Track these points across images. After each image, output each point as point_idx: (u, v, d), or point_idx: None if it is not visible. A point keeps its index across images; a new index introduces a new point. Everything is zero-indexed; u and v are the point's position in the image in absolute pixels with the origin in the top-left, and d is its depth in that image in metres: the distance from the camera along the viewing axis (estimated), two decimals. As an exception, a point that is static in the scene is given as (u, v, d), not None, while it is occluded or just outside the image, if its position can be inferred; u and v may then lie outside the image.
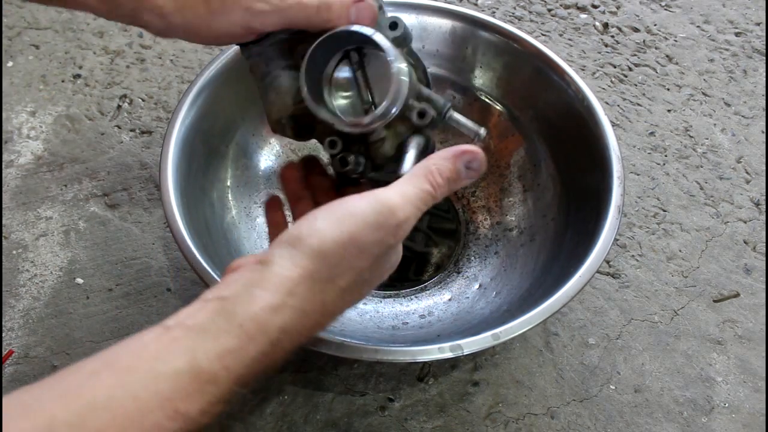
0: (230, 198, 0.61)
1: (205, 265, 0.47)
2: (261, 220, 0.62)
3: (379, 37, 0.38)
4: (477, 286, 0.60)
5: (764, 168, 0.74)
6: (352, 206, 0.34)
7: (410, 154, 0.39)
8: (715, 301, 0.64)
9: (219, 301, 0.31)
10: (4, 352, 0.57)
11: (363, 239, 0.33)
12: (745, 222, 0.69)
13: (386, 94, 0.38)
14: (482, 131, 0.41)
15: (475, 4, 0.88)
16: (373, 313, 0.59)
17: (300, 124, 0.42)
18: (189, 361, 0.29)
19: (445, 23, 0.62)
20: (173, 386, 0.29)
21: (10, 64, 0.78)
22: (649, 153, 0.74)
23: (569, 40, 0.85)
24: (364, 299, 0.39)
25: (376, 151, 0.40)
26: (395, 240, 0.34)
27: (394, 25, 0.40)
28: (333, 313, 0.35)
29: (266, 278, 0.32)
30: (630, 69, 0.82)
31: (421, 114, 0.39)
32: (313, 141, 0.44)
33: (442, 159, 0.36)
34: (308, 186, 0.45)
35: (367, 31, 0.38)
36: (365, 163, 0.41)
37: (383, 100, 0.38)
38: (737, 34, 0.87)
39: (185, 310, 0.31)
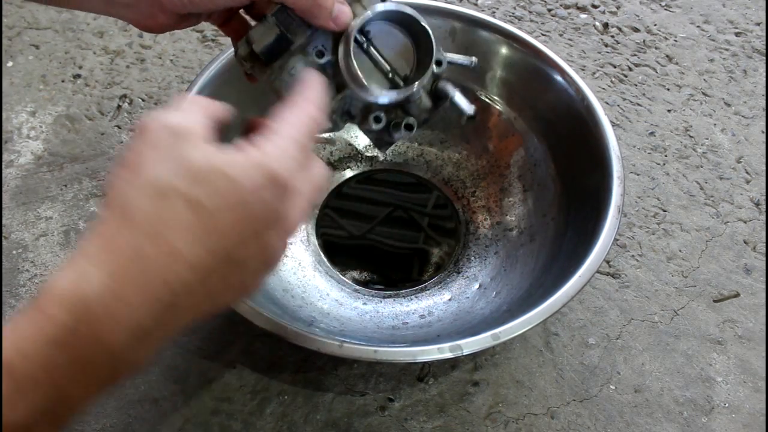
0: (230, 198, 0.61)
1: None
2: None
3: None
4: (477, 286, 0.60)
5: (764, 168, 0.74)
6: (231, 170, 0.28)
7: (457, 94, 0.43)
8: (715, 301, 0.64)
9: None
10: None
11: (138, 151, 0.28)
12: (745, 222, 0.69)
13: (409, 59, 0.42)
14: (474, 59, 0.46)
15: (475, 4, 0.88)
16: (373, 313, 0.59)
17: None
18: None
19: (445, 23, 0.63)
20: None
21: (10, 64, 0.78)
22: (649, 153, 0.74)
23: (569, 40, 0.85)
24: (265, 255, 0.30)
25: (418, 107, 0.44)
26: (183, 133, 0.28)
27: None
28: (178, 267, 0.26)
29: (70, 258, 0.27)
30: (630, 69, 0.82)
31: (438, 62, 0.43)
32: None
33: (307, 84, 0.34)
34: None
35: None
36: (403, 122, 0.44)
37: (409, 66, 0.43)
38: (737, 34, 0.87)
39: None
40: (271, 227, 0.29)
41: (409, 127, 0.43)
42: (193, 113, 0.29)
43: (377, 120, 0.43)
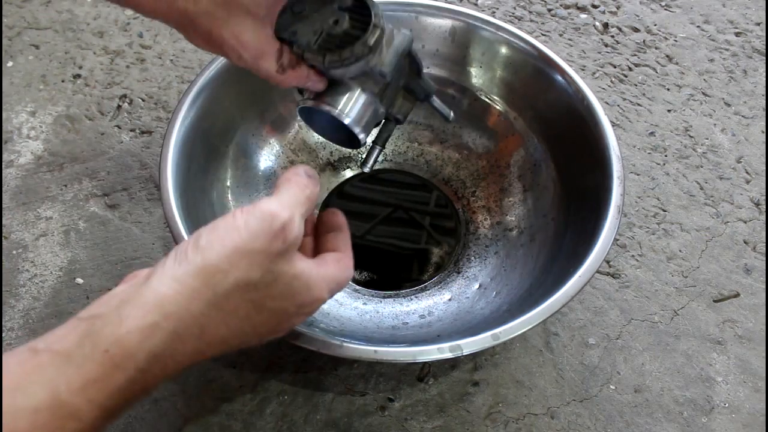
0: (230, 198, 0.61)
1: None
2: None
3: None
4: (477, 286, 0.60)
5: (764, 168, 0.74)
6: (233, 219, 0.32)
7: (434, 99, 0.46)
8: (715, 301, 0.64)
9: (90, 321, 0.29)
10: (4, 352, 0.57)
11: (248, 247, 0.31)
12: (745, 222, 0.69)
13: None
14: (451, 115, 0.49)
15: (475, 4, 0.88)
16: (373, 313, 0.59)
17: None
18: (50, 394, 0.27)
19: (445, 23, 0.63)
20: (31, 424, 0.27)
21: (10, 64, 0.78)
22: (649, 153, 0.74)
23: (569, 40, 0.85)
24: (264, 336, 0.35)
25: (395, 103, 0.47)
26: (284, 244, 0.32)
27: None
28: (217, 341, 0.32)
29: (141, 295, 0.30)
30: (630, 69, 0.82)
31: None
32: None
33: (292, 169, 0.37)
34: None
35: None
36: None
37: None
38: (737, 34, 0.87)
39: (57, 331, 0.29)
40: (285, 325, 0.37)
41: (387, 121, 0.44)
42: (299, 214, 0.34)
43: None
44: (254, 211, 0.32)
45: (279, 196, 0.34)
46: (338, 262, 0.37)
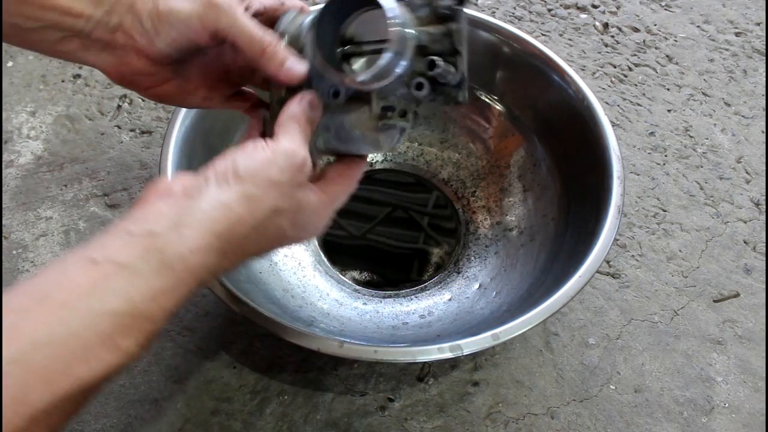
0: (230, 198, 0.61)
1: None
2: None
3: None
4: (477, 286, 0.60)
5: (764, 168, 0.74)
6: (264, 152, 0.36)
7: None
8: (715, 301, 0.64)
9: (148, 238, 0.32)
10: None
11: (279, 179, 0.36)
12: (745, 222, 0.69)
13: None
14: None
15: (475, 4, 0.88)
16: (373, 313, 0.59)
17: None
18: (126, 302, 0.30)
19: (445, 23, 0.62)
20: (113, 324, 0.30)
21: (10, 64, 0.78)
22: (649, 153, 0.74)
23: (569, 40, 0.85)
24: (270, 250, 0.40)
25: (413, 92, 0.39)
26: (303, 177, 0.37)
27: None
28: (250, 255, 0.37)
29: (194, 216, 0.34)
30: (630, 69, 0.82)
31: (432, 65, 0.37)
32: None
33: (289, 107, 0.39)
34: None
35: None
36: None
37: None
38: (737, 34, 0.87)
39: (110, 243, 0.32)
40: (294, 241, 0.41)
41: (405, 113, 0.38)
42: (305, 147, 0.38)
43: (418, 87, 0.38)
44: (279, 149, 0.36)
45: (292, 135, 0.38)
46: (341, 184, 0.41)
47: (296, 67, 0.39)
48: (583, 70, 0.82)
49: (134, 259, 0.31)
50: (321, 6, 0.38)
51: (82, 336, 0.29)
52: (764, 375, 0.59)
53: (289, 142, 0.37)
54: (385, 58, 0.36)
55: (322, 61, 0.38)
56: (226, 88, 0.45)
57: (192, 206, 0.34)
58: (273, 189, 0.36)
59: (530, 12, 0.88)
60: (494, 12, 0.87)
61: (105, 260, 0.31)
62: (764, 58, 0.85)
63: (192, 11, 0.38)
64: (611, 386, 0.58)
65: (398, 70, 0.37)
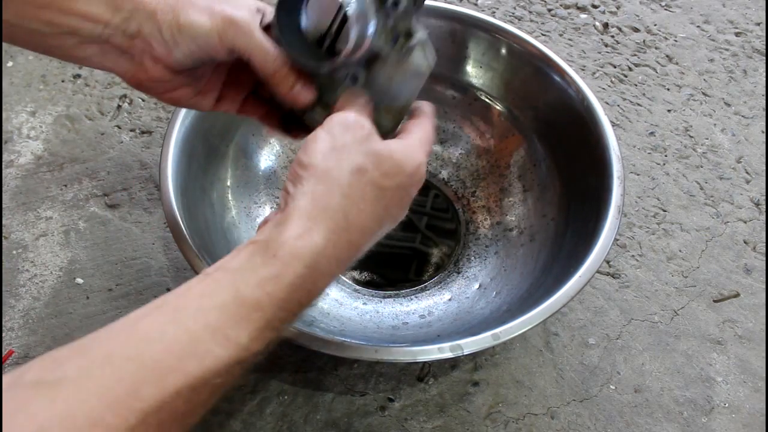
0: (230, 198, 0.61)
1: (205, 265, 0.47)
2: (261, 220, 0.62)
3: None
4: (477, 286, 0.60)
5: (764, 168, 0.74)
6: (317, 132, 0.37)
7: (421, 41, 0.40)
8: (715, 301, 0.64)
9: (253, 244, 0.34)
10: (4, 352, 0.57)
11: (338, 143, 0.36)
12: (745, 222, 0.69)
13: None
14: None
15: (475, 4, 0.88)
16: (373, 313, 0.59)
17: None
18: (233, 293, 0.31)
19: (445, 23, 0.63)
20: (221, 316, 0.30)
21: (10, 64, 0.78)
22: (649, 153, 0.74)
23: (569, 40, 0.85)
24: (396, 216, 0.39)
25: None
26: (363, 130, 0.37)
27: None
28: (360, 228, 0.36)
29: (288, 215, 0.34)
30: (630, 69, 0.82)
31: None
32: None
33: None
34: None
35: None
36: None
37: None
38: (737, 34, 0.87)
39: (222, 259, 0.34)
40: (406, 199, 0.39)
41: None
42: (362, 113, 0.39)
43: (353, 79, 0.40)
44: (328, 122, 0.37)
45: (344, 109, 0.39)
46: (418, 125, 0.40)
47: (303, 93, 0.41)
48: (583, 70, 0.82)
49: (241, 261, 0.33)
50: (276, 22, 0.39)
51: (191, 330, 0.30)
52: (764, 375, 0.59)
53: (339, 114, 0.38)
54: (353, 30, 0.38)
55: (314, 63, 0.39)
56: (237, 91, 0.45)
57: (282, 214, 0.35)
58: (340, 153, 0.36)
59: (530, 12, 0.88)
60: (494, 12, 0.87)
61: (215, 269, 0.33)
62: (764, 58, 0.85)
63: (212, 28, 0.38)
64: (611, 386, 0.58)
65: (371, 28, 0.38)
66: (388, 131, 0.42)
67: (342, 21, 0.39)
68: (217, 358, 0.30)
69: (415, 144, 0.39)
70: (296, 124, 0.44)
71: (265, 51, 0.39)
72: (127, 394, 0.27)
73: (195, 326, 0.30)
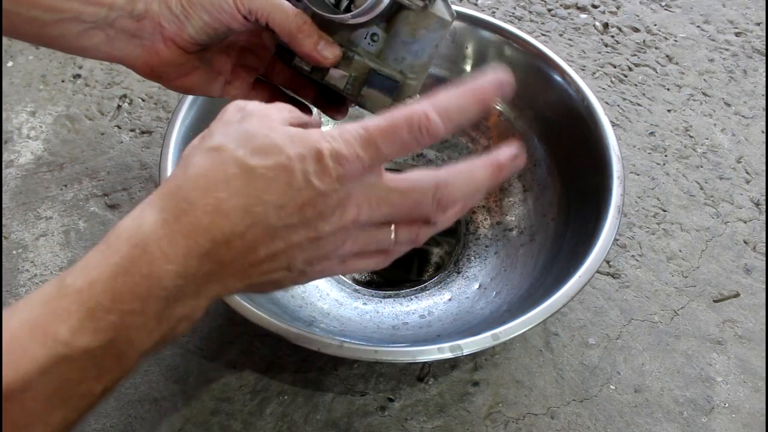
0: (230, 198, 0.61)
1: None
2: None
3: None
4: (477, 286, 0.60)
5: (764, 168, 0.74)
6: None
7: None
8: (715, 301, 0.64)
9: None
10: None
11: (210, 130, 0.32)
12: (745, 222, 0.69)
13: None
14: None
15: (475, 4, 0.88)
16: (373, 313, 0.59)
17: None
18: (57, 284, 0.28)
19: (445, 23, 0.62)
20: (42, 310, 0.27)
21: (10, 64, 0.78)
22: (649, 153, 0.74)
23: (569, 40, 0.85)
24: (285, 208, 0.29)
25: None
26: (242, 113, 0.31)
27: None
28: (214, 210, 0.28)
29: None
30: (630, 69, 0.82)
31: None
32: None
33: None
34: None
35: None
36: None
37: None
38: (737, 34, 0.87)
39: None
40: (323, 218, 0.30)
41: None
42: (276, 107, 0.32)
43: (373, 38, 0.39)
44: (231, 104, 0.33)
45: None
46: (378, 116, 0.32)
47: (328, 49, 0.38)
48: (583, 70, 0.82)
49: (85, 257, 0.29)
50: None
51: (10, 328, 0.27)
52: (764, 375, 0.59)
53: (238, 100, 0.33)
54: None
55: (339, 15, 0.38)
56: (246, 73, 0.44)
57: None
58: (211, 133, 0.31)
59: (530, 12, 0.88)
60: (494, 12, 0.87)
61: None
62: (764, 58, 0.85)
63: None
64: (611, 386, 0.58)
65: None
66: (413, 92, 0.40)
67: None
68: (33, 359, 0.26)
69: (345, 130, 0.30)
70: (300, 106, 0.44)
71: (285, 9, 0.37)
72: None
73: (15, 323, 0.27)
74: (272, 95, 0.46)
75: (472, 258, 0.63)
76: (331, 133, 0.29)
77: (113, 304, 0.27)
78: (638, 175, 0.72)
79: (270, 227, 0.29)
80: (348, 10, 0.39)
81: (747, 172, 0.73)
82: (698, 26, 0.88)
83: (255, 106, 0.32)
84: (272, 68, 0.45)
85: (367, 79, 0.40)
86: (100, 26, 0.38)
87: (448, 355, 0.44)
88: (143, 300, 0.28)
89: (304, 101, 0.47)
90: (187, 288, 0.29)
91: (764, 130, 0.77)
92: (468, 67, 0.64)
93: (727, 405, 0.57)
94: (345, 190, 0.30)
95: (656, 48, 0.85)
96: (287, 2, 0.38)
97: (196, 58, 0.41)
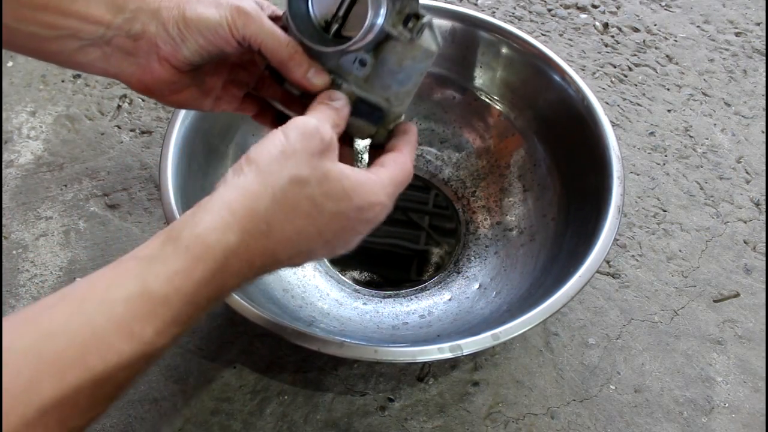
0: (230, 198, 0.61)
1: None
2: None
3: None
4: (477, 286, 0.60)
5: (764, 168, 0.74)
6: (274, 134, 0.36)
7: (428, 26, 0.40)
8: (715, 301, 0.64)
9: (168, 231, 0.33)
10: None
11: (291, 148, 0.34)
12: (745, 222, 0.69)
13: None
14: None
15: (475, 4, 0.88)
16: (373, 313, 0.59)
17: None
18: (140, 285, 0.30)
19: (445, 23, 0.63)
20: (126, 310, 0.29)
21: (10, 64, 0.78)
22: (649, 153, 0.74)
23: (569, 40, 0.85)
24: (333, 244, 0.37)
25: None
26: (321, 143, 0.35)
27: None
28: (284, 240, 0.34)
29: (211, 202, 0.33)
30: (630, 69, 0.82)
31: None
32: None
33: (324, 94, 0.39)
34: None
35: None
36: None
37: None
38: (737, 34, 0.87)
39: (140, 245, 0.33)
40: (350, 234, 0.37)
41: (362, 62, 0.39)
42: (328, 120, 0.37)
43: (362, 63, 0.40)
44: (289, 124, 0.36)
45: (310, 113, 0.38)
46: (394, 162, 0.39)
47: (317, 78, 0.40)
48: (583, 70, 0.82)
49: (152, 250, 0.32)
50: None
51: (95, 323, 0.29)
52: (764, 375, 0.59)
53: (302, 117, 0.36)
54: (370, 11, 0.37)
55: (330, 47, 0.39)
56: (236, 89, 0.45)
57: (209, 198, 0.34)
58: (286, 159, 0.34)
59: (530, 12, 0.88)
60: (494, 12, 0.87)
61: (129, 257, 0.32)
62: (764, 58, 0.85)
63: (221, 18, 0.38)
64: (611, 386, 0.58)
65: (382, 9, 0.38)
66: (396, 118, 0.42)
67: (350, 5, 0.39)
68: (121, 354, 0.29)
69: (380, 182, 0.37)
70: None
71: (278, 37, 0.38)
72: (24, 389, 0.26)
73: (99, 319, 0.29)
74: (262, 109, 0.47)
75: (472, 258, 0.63)
76: (386, 190, 0.37)
77: (195, 312, 0.32)
78: (638, 175, 0.72)
79: (312, 252, 0.36)
80: (338, 34, 0.40)
81: (747, 172, 0.73)
82: (698, 26, 0.88)
83: (332, 139, 0.36)
84: (262, 83, 0.47)
85: (354, 108, 0.41)
86: (98, 44, 0.40)
87: (448, 355, 0.44)
88: (210, 303, 0.33)
89: (293, 115, 0.47)
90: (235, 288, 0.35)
91: (764, 130, 0.77)
92: (468, 68, 0.64)
93: (727, 405, 0.57)
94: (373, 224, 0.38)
95: (656, 48, 0.85)
96: (280, 30, 0.39)
97: (188, 77, 0.42)
